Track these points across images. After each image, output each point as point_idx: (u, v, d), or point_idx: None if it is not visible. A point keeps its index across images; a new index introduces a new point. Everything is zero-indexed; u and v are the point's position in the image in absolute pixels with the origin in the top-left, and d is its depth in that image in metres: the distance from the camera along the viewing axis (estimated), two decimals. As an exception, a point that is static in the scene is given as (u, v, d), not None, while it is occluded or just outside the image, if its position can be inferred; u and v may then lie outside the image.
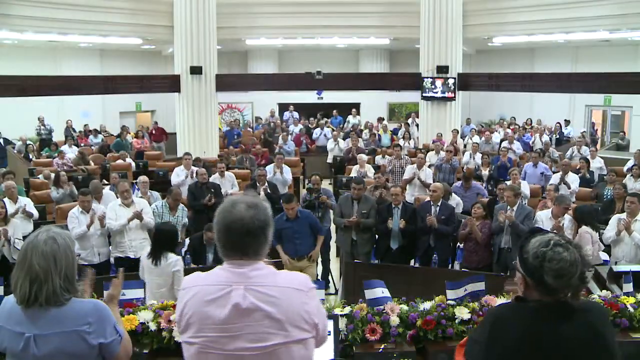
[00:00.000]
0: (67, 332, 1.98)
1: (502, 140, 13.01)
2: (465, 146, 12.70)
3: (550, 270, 1.74)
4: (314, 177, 7.39)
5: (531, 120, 15.86)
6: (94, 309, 2.05)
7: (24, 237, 5.29)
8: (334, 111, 16.89)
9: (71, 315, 2.00)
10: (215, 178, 8.85)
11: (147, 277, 4.76)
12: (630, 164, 9.75)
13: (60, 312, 1.99)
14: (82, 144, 13.89)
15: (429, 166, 9.86)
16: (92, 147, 13.49)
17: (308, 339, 1.84)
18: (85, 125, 15.50)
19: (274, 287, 1.81)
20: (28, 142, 13.56)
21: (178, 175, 8.91)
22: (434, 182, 8.36)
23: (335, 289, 6.63)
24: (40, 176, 9.60)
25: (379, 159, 11.43)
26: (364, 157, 10.19)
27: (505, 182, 7.90)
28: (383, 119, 16.95)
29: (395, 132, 15.24)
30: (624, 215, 5.85)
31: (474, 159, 10.60)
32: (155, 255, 4.69)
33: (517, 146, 11.97)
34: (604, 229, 6.00)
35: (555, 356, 1.74)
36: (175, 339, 3.32)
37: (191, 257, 6.01)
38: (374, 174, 9.22)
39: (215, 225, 1.87)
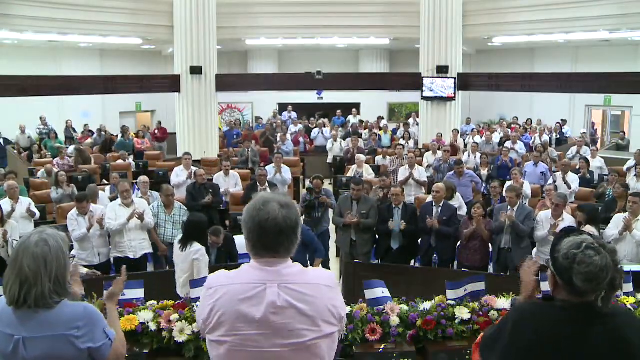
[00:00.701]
0: (55, 335, 1.96)
1: (502, 140, 12.97)
2: (465, 146, 12.69)
3: (579, 273, 1.69)
4: (316, 181, 7.40)
5: (531, 121, 15.85)
6: (84, 313, 2.02)
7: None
8: (338, 111, 16.90)
9: (61, 318, 1.98)
10: (219, 176, 8.87)
11: (175, 261, 5.06)
12: (630, 163, 9.74)
13: (50, 315, 1.97)
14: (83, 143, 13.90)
15: (428, 167, 9.87)
16: (93, 148, 13.49)
17: (335, 332, 1.88)
18: (85, 125, 15.50)
19: (306, 285, 1.82)
20: (27, 133, 13.67)
21: (178, 176, 8.90)
22: (430, 182, 8.37)
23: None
24: (40, 172, 9.59)
25: (379, 159, 11.42)
26: (362, 157, 10.19)
27: (504, 181, 7.90)
28: (382, 118, 16.95)
29: (394, 132, 15.25)
30: (625, 215, 5.85)
31: (473, 159, 10.59)
32: (183, 242, 4.98)
33: (519, 146, 11.93)
34: (604, 229, 6.01)
35: (575, 359, 1.70)
36: (175, 339, 3.31)
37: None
38: (376, 175, 9.22)
39: (246, 224, 1.84)
